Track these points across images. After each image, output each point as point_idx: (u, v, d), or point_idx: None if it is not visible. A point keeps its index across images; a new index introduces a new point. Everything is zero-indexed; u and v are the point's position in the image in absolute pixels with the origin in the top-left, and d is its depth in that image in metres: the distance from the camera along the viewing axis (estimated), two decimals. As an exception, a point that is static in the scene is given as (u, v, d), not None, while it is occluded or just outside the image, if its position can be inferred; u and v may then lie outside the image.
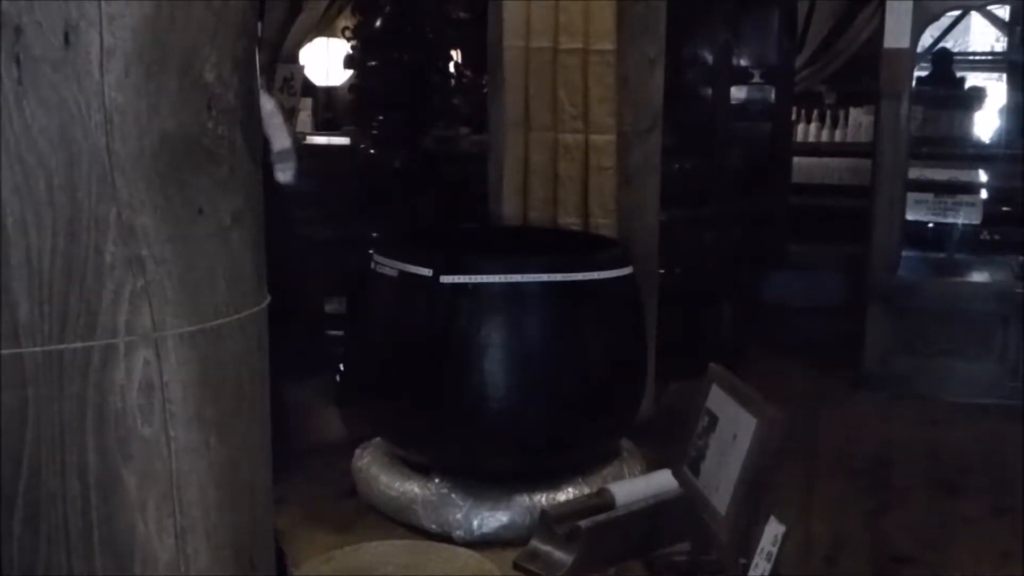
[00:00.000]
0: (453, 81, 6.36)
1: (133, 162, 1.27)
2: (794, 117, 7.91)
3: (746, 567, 2.88)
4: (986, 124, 8.43)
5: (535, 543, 3.48)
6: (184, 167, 1.32)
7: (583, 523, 3.39)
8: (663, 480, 3.56)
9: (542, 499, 3.63)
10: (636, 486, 3.63)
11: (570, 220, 4.32)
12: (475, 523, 3.60)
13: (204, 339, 1.36)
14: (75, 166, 1.23)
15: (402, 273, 3.65)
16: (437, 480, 3.69)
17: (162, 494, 1.34)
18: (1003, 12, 9.36)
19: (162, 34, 1.28)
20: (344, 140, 7.02)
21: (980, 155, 6.91)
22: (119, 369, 1.29)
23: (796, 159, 7.44)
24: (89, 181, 1.24)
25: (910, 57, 5.28)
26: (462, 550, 3.53)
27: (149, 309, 1.30)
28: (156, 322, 1.31)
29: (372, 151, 5.27)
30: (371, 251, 3.89)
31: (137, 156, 1.27)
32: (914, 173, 5.66)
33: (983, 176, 6.30)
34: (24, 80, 1.20)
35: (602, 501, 3.49)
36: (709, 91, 5.96)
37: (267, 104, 3.46)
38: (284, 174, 3.72)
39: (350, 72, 7.06)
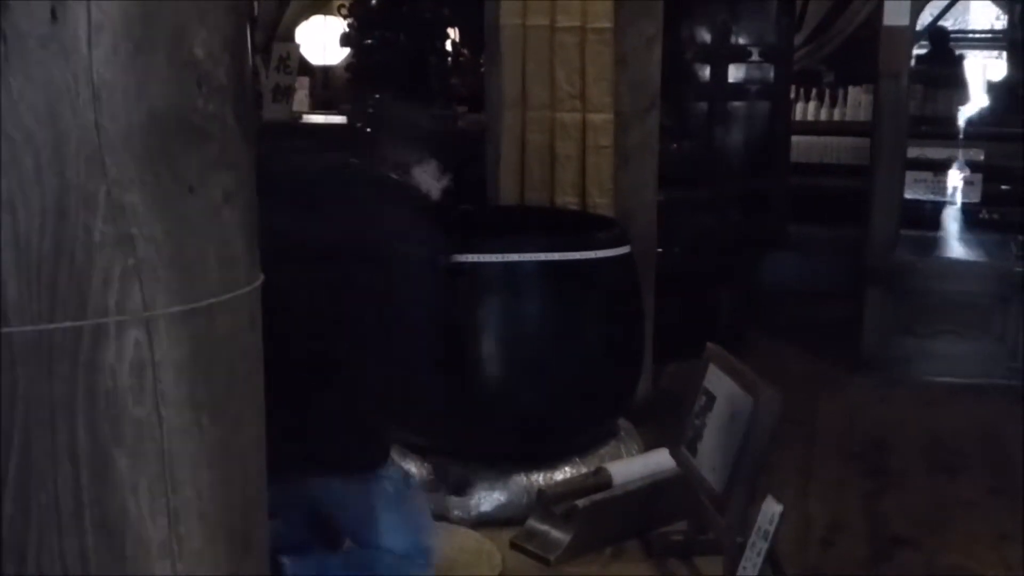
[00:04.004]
0: (450, 60, 6.34)
1: (122, 139, 1.25)
2: (793, 96, 7.86)
3: (743, 546, 2.88)
4: (986, 102, 8.39)
5: (532, 522, 3.48)
6: (174, 145, 1.30)
7: (580, 502, 3.39)
8: (660, 459, 3.56)
9: (539, 479, 3.63)
10: (633, 465, 3.63)
11: (567, 200, 4.30)
12: (473, 502, 3.60)
13: (195, 319, 1.34)
14: (63, 143, 1.22)
15: (399, 253, 3.63)
16: (435, 460, 3.69)
17: (154, 475, 1.33)
18: (1003, -10, 9.32)
19: (151, 10, 1.26)
20: (340, 119, 6.99)
21: (980, 134, 6.88)
22: (110, 349, 1.27)
23: (795, 138, 7.41)
24: (77, 159, 1.23)
25: (909, 35, 5.26)
26: (460, 529, 3.53)
27: (140, 288, 1.29)
28: (147, 301, 1.29)
29: (368, 130, 5.24)
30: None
31: (126, 133, 1.25)
32: (913, 152, 5.64)
33: (983, 155, 6.28)
34: (11, 56, 1.18)
35: (599, 480, 3.49)
36: (707, 70, 5.93)
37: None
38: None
39: (347, 51, 7.03)
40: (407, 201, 2.79)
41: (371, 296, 2.70)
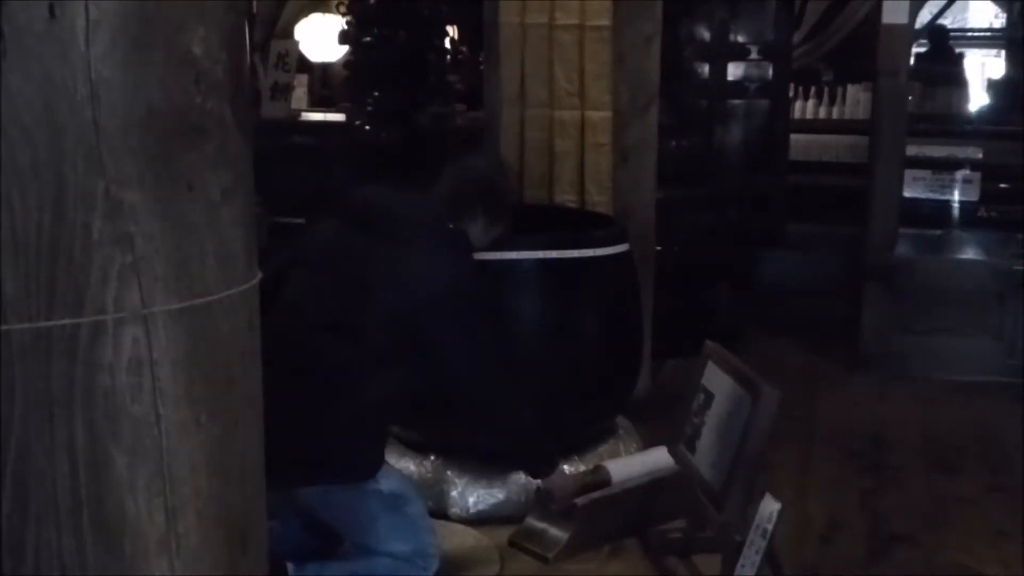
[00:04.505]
0: (449, 57, 6.33)
1: (120, 137, 1.25)
2: (792, 94, 7.87)
3: (741, 544, 2.88)
4: (985, 101, 8.40)
5: (531, 521, 3.48)
6: (172, 142, 1.30)
7: (579, 501, 3.39)
8: (659, 457, 3.56)
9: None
10: (632, 463, 3.62)
11: (566, 197, 4.30)
12: (471, 501, 3.60)
13: (194, 316, 1.34)
14: (61, 140, 1.21)
15: (397, 251, 3.63)
16: (433, 458, 3.69)
17: (152, 472, 1.32)
18: (1002, -12, 9.31)
19: (149, 8, 1.26)
20: (339, 117, 7.00)
21: (978, 132, 6.88)
22: (108, 347, 1.27)
23: (794, 136, 7.42)
24: (75, 156, 1.22)
25: (908, 33, 5.26)
26: (459, 527, 3.53)
27: (138, 286, 1.28)
28: (145, 299, 1.29)
29: (367, 128, 5.24)
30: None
31: (124, 130, 1.25)
32: (912, 150, 5.64)
33: (981, 153, 6.28)
34: (8, 53, 1.18)
35: (598, 478, 3.49)
36: (706, 68, 5.93)
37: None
38: None
39: (345, 48, 7.02)
40: (449, 241, 3.01)
41: (393, 313, 2.77)
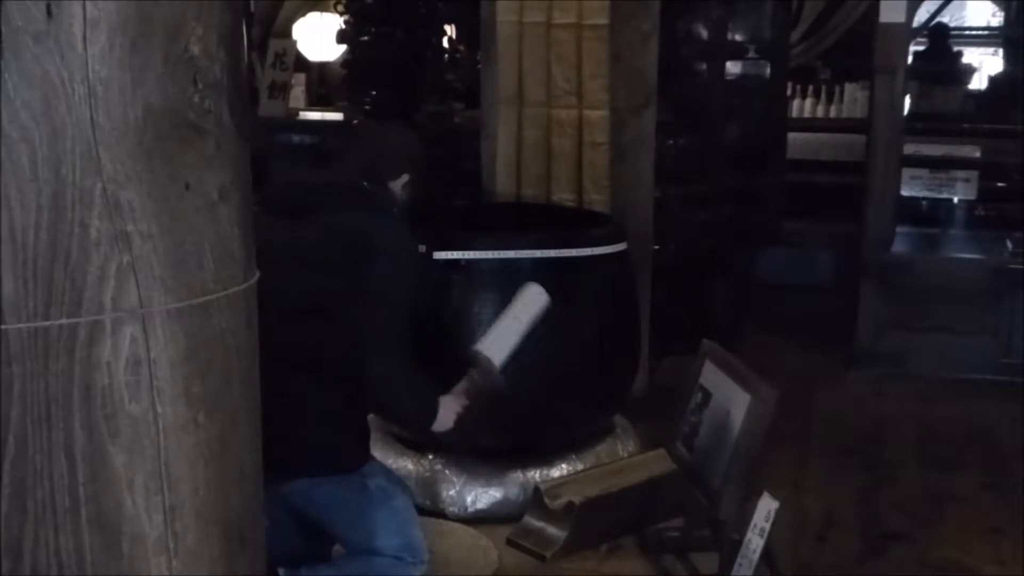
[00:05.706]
0: (446, 56, 6.34)
1: (118, 136, 1.25)
2: (789, 92, 7.87)
3: (739, 542, 2.89)
4: (982, 99, 8.39)
5: (528, 519, 3.48)
6: (170, 141, 1.30)
7: (576, 499, 3.39)
8: (531, 294, 3.03)
9: (535, 475, 3.63)
10: (507, 322, 3.01)
11: (564, 196, 4.30)
12: (468, 499, 3.60)
13: (191, 315, 1.34)
14: (59, 140, 1.22)
15: (395, 249, 3.63)
16: (431, 456, 3.69)
17: (150, 471, 1.33)
18: (999, -13, 9.31)
19: (146, 7, 1.26)
20: (337, 116, 6.99)
21: (976, 130, 6.88)
22: (105, 346, 1.28)
23: (791, 135, 7.42)
24: (73, 155, 1.23)
25: (905, 32, 5.26)
26: (457, 526, 3.54)
27: (136, 285, 1.29)
28: (143, 298, 1.29)
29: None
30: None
31: (122, 130, 1.25)
32: (909, 149, 5.64)
33: (978, 152, 6.28)
34: (6, 53, 1.18)
35: (481, 373, 2.96)
36: (704, 66, 5.93)
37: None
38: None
39: (343, 47, 7.02)
40: (380, 207, 3.00)
41: (353, 295, 2.77)
